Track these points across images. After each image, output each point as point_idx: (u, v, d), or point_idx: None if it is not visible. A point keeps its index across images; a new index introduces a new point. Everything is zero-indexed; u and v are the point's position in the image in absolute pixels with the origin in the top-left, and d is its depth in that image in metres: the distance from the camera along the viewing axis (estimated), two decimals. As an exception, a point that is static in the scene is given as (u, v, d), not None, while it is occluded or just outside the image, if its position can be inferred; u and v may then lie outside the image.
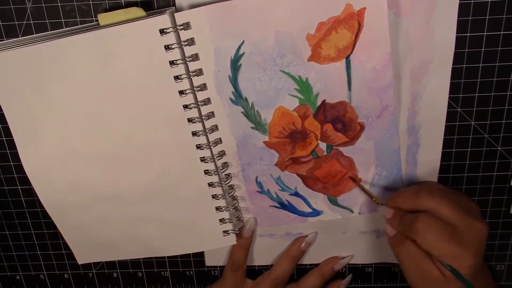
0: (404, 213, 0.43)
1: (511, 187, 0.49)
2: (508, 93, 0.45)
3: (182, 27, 0.40)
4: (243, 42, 0.41)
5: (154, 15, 0.40)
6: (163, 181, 0.46)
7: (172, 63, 0.41)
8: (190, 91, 0.42)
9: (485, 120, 0.46)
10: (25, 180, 0.48)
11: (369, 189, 0.48)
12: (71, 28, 0.43)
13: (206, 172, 0.46)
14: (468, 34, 0.43)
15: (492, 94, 0.45)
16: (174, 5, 0.42)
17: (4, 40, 0.44)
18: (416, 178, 0.48)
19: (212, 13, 0.40)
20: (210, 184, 0.46)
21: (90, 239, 0.50)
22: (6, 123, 0.44)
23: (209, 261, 0.55)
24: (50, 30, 0.44)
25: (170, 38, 0.40)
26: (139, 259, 0.55)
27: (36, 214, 0.53)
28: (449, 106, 0.45)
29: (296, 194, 0.48)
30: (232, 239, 0.49)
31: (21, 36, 0.44)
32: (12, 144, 0.47)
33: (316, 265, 0.54)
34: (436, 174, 0.48)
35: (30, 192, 0.51)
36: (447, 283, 0.41)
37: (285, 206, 0.49)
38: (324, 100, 0.43)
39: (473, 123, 0.46)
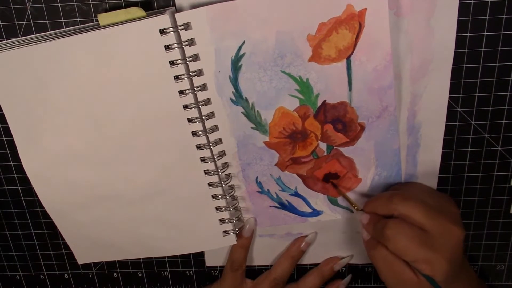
0: (379, 218, 0.43)
1: (511, 187, 0.49)
2: (508, 93, 0.45)
3: (182, 27, 0.40)
4: (243, 42, 0.41)
5: (154, 15, 0.40)
6: (163, 181, 0.46)
7: (172, 63, 0.41)
8: (190, 91, 0.42)
9: (485, 120, 0.46)
10: (25, 180, 0.48)
11: (369, 190, 0.48)
12: (71, 28, 0.43)
13: (206, 172, 0.46)
14: (468, 34, 0.43)
15: (492, 94, 0.45)
16: (174, 5, 0.42)
17: (4, 40, 0.44)
18: (416, 178, 0.48)
19: (213, 13, 0.40)
20: (210, 184, 0.46)
21: (90, 239, 0.50)
22: (6, 123, 0.44)
23: (209, 261, 0.55)
24: (50, 30, 0.44)
25: (170, 38, 0.40)
26: (139, 259, 0.55)
27: (36, 214, 0.53)
28: (449, 106, 0.45)
29: (296, 194, 0.48)
30: (232, 239, 0.49)
31: (21, 36, 0.44)
32: (12, 144, 0.47)
33: (316, 265, 0.54)
34: (436, 174, 0.48)
35: (30, 192, 0.51)
36: (420, 285, 0.41)
37: (285, 206, 0.49)
38: (325, 101, 0.43)
39: (473, 123, 0.46)
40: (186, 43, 0.41)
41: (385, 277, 0.43)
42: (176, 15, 0.40)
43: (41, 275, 0.57)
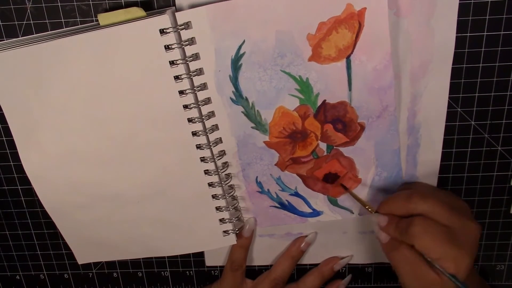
0: (398, 218, 0.42)
1: (511, 187, 0.49)
2: (508, 93, 0.45)
3: (182, 26, 0.40)
4: (243, 41, 0.41)
5: (154, 15, 0.40)
6: (163, 181, 0.46)
7: (172, 63, 0.41)
8: (190, 91, 0.42)
9: (485, 120, 0.46)
10: (25, 180, 0.48)
11: (369, 190, 0.48)
12: (71, 28, 0.43)
13: (206, 172, 0.46)
14: (468, 34, 0.43)
15: (492, 94, 0.45)
16: (174, 5, 0.42)
17: (4, 40, 0.44)
18: (416, 178, 0.48)
19: (213, 12, 0.40)
20: (210, 184, 0.46)
21: (90, 239, 0.50)
22: (6, 123, 0.44)
23: (209, 261, 0.55)
24: (50, 30, 0.44)
25: (170, 38, 0.40)
26: (139, 259, 0.55)
27: (36, 214, 0.53)
28: (449, 106, 0.45)
29: (296, 194, 0.48)
30: (232, 239, 0.49)
31: (21, 36, 0.44)
32: (12, 144, 0.47)
33: (316, 265, 0.54)
34: (436, 174, 0.48)
35: (30, 192, 0.51)
36: (443, 285, 0.40)
37: (285, 206, 0.49)
38: (325, 100, 0.43)
39: (473, 123, 0.46)
40: (186, 42, 0.41)
41: (407, 280, 0.42)
42: (176, 14, 0.40)
43: (41, 275, 0.57)
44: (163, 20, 0.39)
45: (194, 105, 0.43)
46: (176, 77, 0.42)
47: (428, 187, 0.48)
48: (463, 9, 0.42)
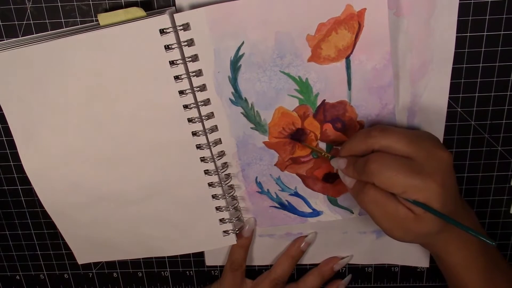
0: (357, 158, 0.40)
1: (511, 187, 0.49)
2: (508, 93, 0.45)
3: (181, 27, 0.40)
4: (243, 43, 0.41)
5: (154, 15, 0.40)
6: (163, 181, 0.46)
7: (172, 63, 0.41)
8: (190, 91, 0.42)
9: (485, 120, 0.46)
10: (25, 180, 0.48)
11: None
12: (71, 28, 0.43)
13: (206, 172, 0.46)
14: (468, 34, 0.43)
15: (492, 94, 0.45)
16: (174, 5, 0.42)
17: (4, 40, 0.44)
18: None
19: (212, 13, 0.40)
20: (210, 184, 0.46)
21: (90, 239, 0.50)
22: (6, 123, 0.44)
23: (209, 261, 0.55)
24: (50, 30, 0.44)
25: (170, 38, 0.40)
26: (139, 259, 0.55)
27: (36, 214, 0.53)
28: (449, 106, 0.45)
29: (296, 194, 0.48)
30: (232, 239, 0.49)
31: (21, 36, 0.44)
32: (12, 144, 0.47)
33: (316, 265, 0.54)
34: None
35: (30, 192, 0.51)
36: (418, 221, 0.38)
37: (285, 206, 0.49)
38: (324, 100, 0.43)
39: (473, 123, 0.46)
40: (186, 43, 0.41)
41: (380, 221, 0.40)
42: (175, 15, 0.40)
43: (41, 275, 0.57)
44: (163, 20, 0.39)
45: (194, 105, 0.43)
46: (176, 77, 0.42)
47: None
48: (463, 9, 0.42)
